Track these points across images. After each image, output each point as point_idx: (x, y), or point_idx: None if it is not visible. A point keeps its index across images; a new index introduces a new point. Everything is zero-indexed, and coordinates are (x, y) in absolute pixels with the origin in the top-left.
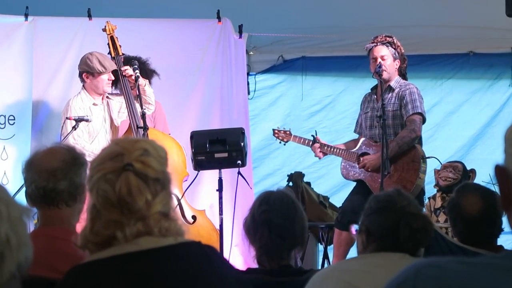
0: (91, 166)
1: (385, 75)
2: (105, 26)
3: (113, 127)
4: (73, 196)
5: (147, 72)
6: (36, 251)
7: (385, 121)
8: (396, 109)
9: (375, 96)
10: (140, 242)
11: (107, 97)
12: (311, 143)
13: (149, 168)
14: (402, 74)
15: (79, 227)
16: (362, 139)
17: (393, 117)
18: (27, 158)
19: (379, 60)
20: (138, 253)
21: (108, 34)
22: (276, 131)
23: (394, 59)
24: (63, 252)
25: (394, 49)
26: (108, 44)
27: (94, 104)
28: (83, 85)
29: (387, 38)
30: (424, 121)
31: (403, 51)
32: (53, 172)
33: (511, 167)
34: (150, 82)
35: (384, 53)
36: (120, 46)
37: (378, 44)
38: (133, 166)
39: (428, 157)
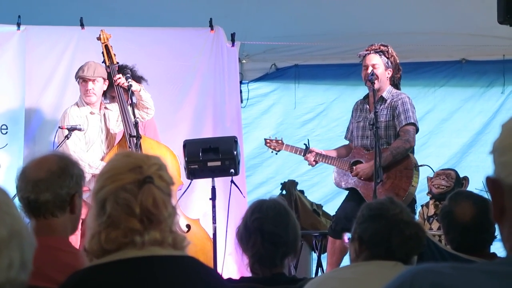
0: (102, 177)
1: (376, 84)
2: (100, 35)
3: (109, 137)
4: (59, 208)
5: (136, 79)
6: None
7: (378, 129)
8: (388, 120)
9: (368, 106)
10: (149, 249)
11: (105, 107)
12: (303, 152)
13: (164, 182)
14: (395, 84)
15: (73, 237)
16: (354, 148)
17: (385, 127)
18: (21, 166)
19: (370, 68)
20: (138, 258)
21: (102, 43)
22: (268, 141)
23: (386, 68)
24: (57, 262)
25: (387, 58)
26: (103, 52)
27: (91, 113)
28: (80, 95)
29: (382, 47)
30: (417, 131)
31: (397, 61)
32: (37, 183)
33: (502, 177)
34: None
35: (375, 61)
36: (114, 54)
37: (371, 52)
38: (153, 179)
39: (421, 165)
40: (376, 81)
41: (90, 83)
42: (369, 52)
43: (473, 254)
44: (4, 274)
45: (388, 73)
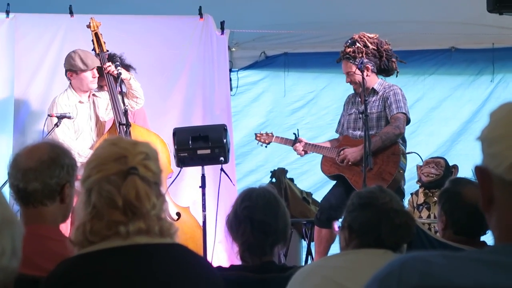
0: (88, 165)
1: (358, 89)
2: (89, 23)
3: (99, 125)
4: (48, 197)
5: (123, 67)
6: None
7: (367, 116)
8: (380, 111)
9: (359, 99)
10: (134, 238)
11: (93, 95)
12: (292, 142)
13: (150, 172)
14: (384, 70)
15: (63, 225)
16: (342, 138)
17: (377, 118)
18: (14, 153)
19: (347, 78)
20: (127, 247)
21: (92, 31)
22: (258, 135)
23: (360, 69)
24: (46, 250)
25: (360, 57)
26: (93, 40)
27: (80, 102)
28: (70, 83)
29: (347, 49)
30: (408, 122)
31: (374, 47)
32: (26, 172)
33: (490, 167)
34: None
35: (348, 69)
36: (104, 42)
37: (343, 59)
38: (137, 170)
39: (409, 153)
40: (355, 87)
41: (94, 71)
42: (341, 58)
43: (465, 243)
44: None
45: (367, 72)
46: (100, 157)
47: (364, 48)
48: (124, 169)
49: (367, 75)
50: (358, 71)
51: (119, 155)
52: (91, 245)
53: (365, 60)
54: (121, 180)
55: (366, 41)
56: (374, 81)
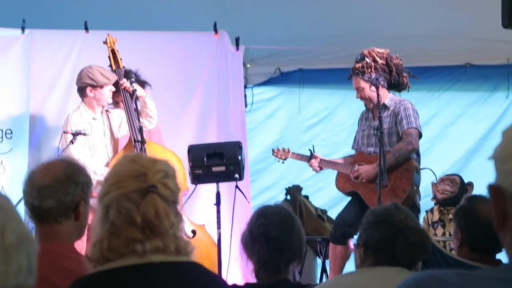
0: (107, 182)
1: (369, 106)
2: (106, 39)
3: (113, 141)
4: (63, 214)
5: (139, 84)
6: None
7: (382, 133)
8: (391, 126)
9: (372, 115)
10: (150, 257)
11: (106, 110)
12: (308, 158)
13: (169, 190)
14: (394, 85)
15: (80, 242)
16: (357, 154)
17: (388, 134)
18: (28, 171)
19: (357, 93)
20: (142, 265)
21: (109, 47)
22: (275, 151)
23: (371, 84)
24: (61, 268)
25: (369, 72)
26: (109, 56)
27: (93, 118)
28: (83, 100)
29: (356, 65)
30: (420, 136)
31: (383, 62)
32: (41, 190)
33: (504, 185)
34: None
35: (358, 85)
36: (121, 59)
37: (353, 75)
38: (157, 188)
39: (422, 168)
40: (367, 103)
41: (111, 86)
42: (351, 74)
43: (482, 260)
44: (14, 279)
45: (373, 90)
46: (119, 174)
47: (373, 63)
48: (144, 187)
49: (375, 90)
50: (368, 87)
51: (139, 172)
52: (108, 262)
53: (378, 76)
54: (140, 197)
55: (375, 56)
56: (385, 96)
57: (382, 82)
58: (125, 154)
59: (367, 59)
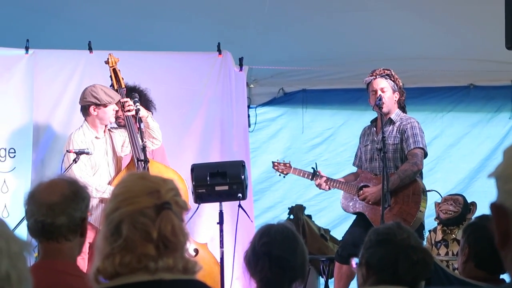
0: (116, 198)
1: (385, 108)
2: (108, 59)
3: (116, 160)
4: (73, 231)
5: (146, 103)
6: (36, 284)
7: (385, 154)
8: (397, 143)
9: (375, 129)
10: (159, 274)
11: (109, 130)
12: (311, 175)
13: (179, 208)
14: (402, 107)
15: (81, 261)
16: (361, 172)
17: (393, 150)
18: (29, 190)
19: (379, 92)
20: (149, 282)
21: (110, 67)
22: (276, 164)
23: (394, 91)
24: (64, 286)
25: (393, 81)
26: (111, 76)
27: (96, 137)
28: (86, 119)
29: (386, 71)
30: (425, 155)
31: (401, 84)
32: (51, 207)
33: (507, 204)
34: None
35: (383, 85)
36: (122, 78)
37: (377, 77)
38: (171, 205)
39: (429, 190)
40: (384, 105)
41: (114, 105)
42: (375, 77)
43: (486, 279)
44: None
45: (396, 96)
46: (131, 190)
47: (397, 78)
48: (158, 203)
49: (395, 99)
50: (391, 91)
51: (152, 189)
52: (118, 277)
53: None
54: (155, 214)
55: (395, 74)
56: (394, 110)
57: (397, 97)
58: (130, 172)
59: (393, 73)
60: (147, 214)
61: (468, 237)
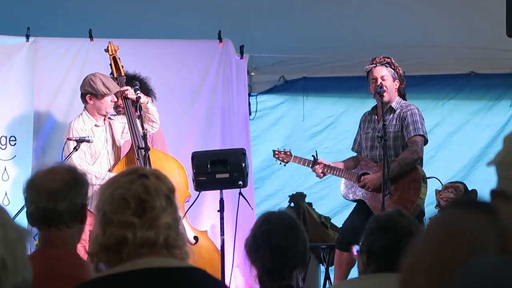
0: (103, 186)
1: (386, 96)
2: (108, 47)
3: (115, 148)
4: (74, 217)
5: (146, 91)
6: (36, 272)
7: (386, 141)
8: (397, 130)
9: (376, 117)
10: (148, 261)
11: (109, 118)
12: (311, 163)
13: (162, 183)
14: (402, 95)
15: (81, 248)
16: (362, 160)
17: (394, 138)
18: (28, 178)
19: (379, 80)
20: (143, 270)
21: (110, 55)
22: (276, 152)
23: (394, 79)
24: (64, 274)
25: (393, 69)
26: (111, 64)
27: (96, 125)
28: (85, 107)
29: (386, 59)
30: (426, 142)
31: (401, 72)
32: (53, 193)
33: (507, 191)
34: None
35: (384, 73)
36: (122, 66)
37: (378, 65)
38: (148, 177)
39: (429, 178)
40: (385, 93)
41: (113, 95)
42: (375, 65)
43: None
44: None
45: (396, 84)
46: (112, 177)
47: (397, 66)
48: (135, 177)
49: (395, 86)
50: (391, 79)
51: (131, 170)
52: (107, 253)
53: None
54: (132, 184)
55: (395, 62)
56: (394, 98)
57: (397, 84)
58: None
59: (393, 61)
60: (123, 186)
61: None
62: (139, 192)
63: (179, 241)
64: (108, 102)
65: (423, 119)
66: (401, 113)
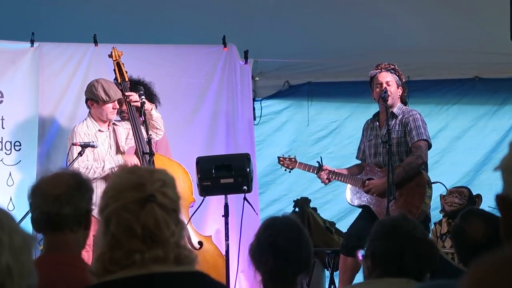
0: (106, 195)
1: (389, 101)
2: (111, 52)
3: (119, 154)
4: (78, 222)
5: (151, 96)
6: (41, 278)
7: (390, 146)
8: (400, 136)
9: (378, 123)
10: (152, 267)
11: (113, 123)
12: (316, 170)
13: (168, 199)
14: (404, 102)
15: (85, 254)
16: (366, 166)
17: (397, 144)
18: (32, 184)
19: (384, 85)
20: (146, 276)
21: (114, 60)
22: (281, 159)
23: (398, 86)
24: (69, 278)
25: (398, 76)
26: (114, 70)
27: (99, 130)
28: (89, 112)
29: (391, 65)
30: (429, 147)
31: (404, 80)
32: (57, 197)
33: None
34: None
35: (389, 79)
36: (126, 72)
37: (383, 70)
38: (155, 197)
39: (434, 182)
40: (389, 98)
41: (115, 102)
42: (380, 70)
43: None
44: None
45: (399, 91)
46: (117, 186)
47: (401, 74)
48: (142, 197)
49: (398, 93)
50: (396, 85)
51: (137, 183)
52: (110, 275)
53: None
54: (139, 208)
55: (399, 70)
56: (397, 104)
57: (400, 92)
58: (122, 167)
59: (397, 68)
60: (131, 210)
61: (454, 241)
62: (149, 225)
63: (191, 256)
64: (109, 109)
65: (426, 124)
66: (403, 119)
